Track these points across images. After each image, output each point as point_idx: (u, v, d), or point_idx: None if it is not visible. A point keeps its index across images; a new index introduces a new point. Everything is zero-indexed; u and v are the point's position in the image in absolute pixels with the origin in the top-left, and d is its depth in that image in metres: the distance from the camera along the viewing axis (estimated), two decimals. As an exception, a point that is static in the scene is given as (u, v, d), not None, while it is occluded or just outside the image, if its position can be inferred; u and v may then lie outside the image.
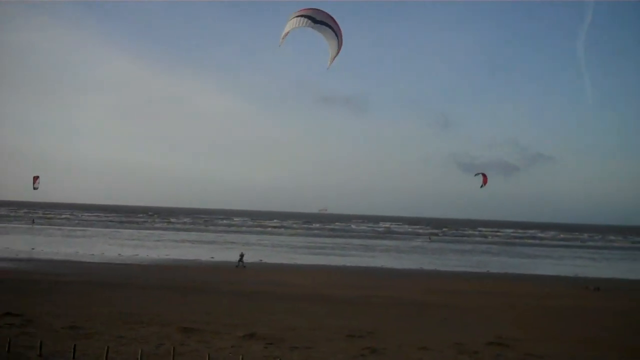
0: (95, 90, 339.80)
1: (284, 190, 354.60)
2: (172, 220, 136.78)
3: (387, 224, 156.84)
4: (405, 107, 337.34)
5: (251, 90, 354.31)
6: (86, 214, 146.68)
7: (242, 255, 40.49)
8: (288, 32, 22.87)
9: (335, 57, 23.13)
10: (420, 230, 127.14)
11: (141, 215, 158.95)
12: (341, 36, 22.82)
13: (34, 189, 53.78)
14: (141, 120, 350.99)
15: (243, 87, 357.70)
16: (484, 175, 47.16)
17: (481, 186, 46.72)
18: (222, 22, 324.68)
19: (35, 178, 54.22)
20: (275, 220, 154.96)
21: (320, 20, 22.48)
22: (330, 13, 22.72)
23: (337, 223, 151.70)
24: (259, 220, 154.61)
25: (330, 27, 22.62)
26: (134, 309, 19.57)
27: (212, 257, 47.32)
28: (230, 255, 49.62)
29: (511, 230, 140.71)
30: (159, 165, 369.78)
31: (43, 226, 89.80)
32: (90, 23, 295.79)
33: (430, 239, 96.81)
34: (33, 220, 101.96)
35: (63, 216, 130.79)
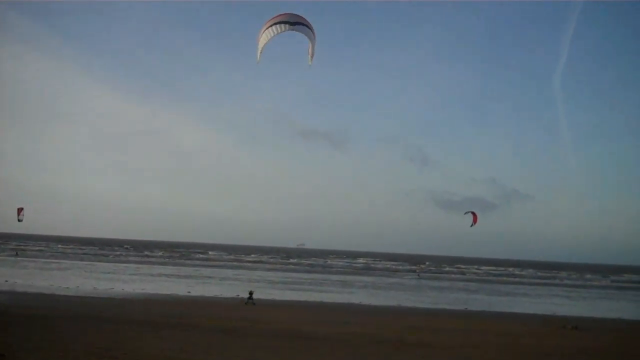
0: (70, 121, 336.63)
1: (262, 225, 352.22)
2: (148, 253, 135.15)
3: (365, 260, 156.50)
4: (384, 143, 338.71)
5: (228, 123, 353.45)
6: (60, 246, 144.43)
7: (251, 293, 39.43)
8: (265, 44, 23.03)
9: (313, 52, 23.46)
10: (400, 267, 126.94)
11: (116, 247, 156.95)
12: (314, 30, 23.16)
13: (19, 220, 52.43)
14: (116, 151, 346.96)
15: (220, 120, 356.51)
16: (474, 214, 46.92)
17: (471, 225, 46.39)
18: (199, 54, 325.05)
19: (20, 210, 52.99)
20: (253, 255, 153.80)
21: (295, 21, 22.78)
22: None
23: (314, 258, 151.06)
24: (236, 254, 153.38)
25: (305, 25, 22.95)
26: (108, 344, 19.16)
27: (189, 292, 46.69)
28: (207, 290, 49.15)
29: (489, 268, 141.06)
30: (134, 197, 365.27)
31: (20, 258, 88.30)
32: (66, 53, 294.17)
33: (419, 275, 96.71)
34: (16, 253, 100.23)
35: (37, 248, 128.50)
